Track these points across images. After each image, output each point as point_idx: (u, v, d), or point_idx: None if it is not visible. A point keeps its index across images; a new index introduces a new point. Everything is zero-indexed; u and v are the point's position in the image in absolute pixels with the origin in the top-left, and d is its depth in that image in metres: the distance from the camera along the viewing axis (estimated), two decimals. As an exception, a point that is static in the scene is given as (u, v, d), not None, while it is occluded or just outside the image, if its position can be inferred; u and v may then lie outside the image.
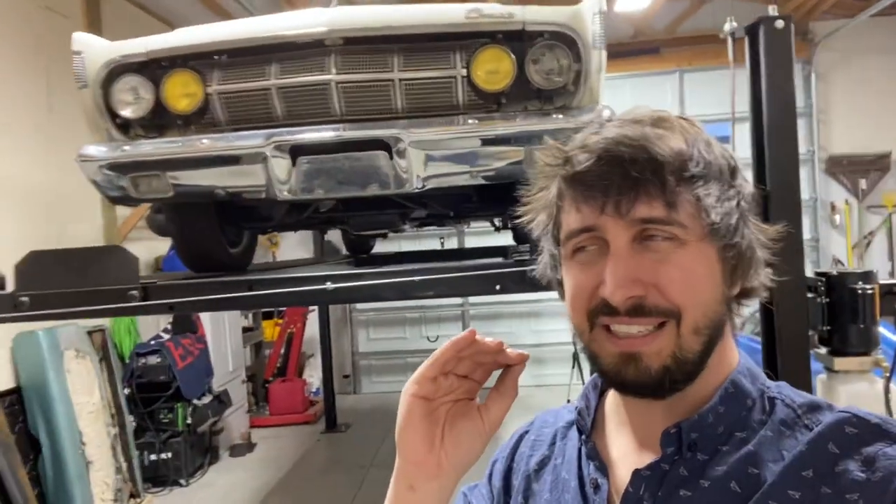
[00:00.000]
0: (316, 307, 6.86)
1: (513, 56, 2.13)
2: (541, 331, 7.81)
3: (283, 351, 7.19)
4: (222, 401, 5.68)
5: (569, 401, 0.96)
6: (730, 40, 1.99)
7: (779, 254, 0.69)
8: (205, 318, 5.84)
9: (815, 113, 7.61)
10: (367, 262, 4.22)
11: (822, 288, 1.94)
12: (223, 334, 6.20)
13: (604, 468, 0.70)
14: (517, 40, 2.15)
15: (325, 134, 2.11)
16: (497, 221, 4.53)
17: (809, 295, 1.93)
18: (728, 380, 0.66)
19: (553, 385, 7.01)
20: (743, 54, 1.97)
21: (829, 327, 1.93)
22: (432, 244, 7.86)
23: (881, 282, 1.92)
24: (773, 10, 1.88)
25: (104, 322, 4.93)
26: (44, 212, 4.49)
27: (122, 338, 5.25)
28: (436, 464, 0.69)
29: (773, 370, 1.86)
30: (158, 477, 5.12)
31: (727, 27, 2.01)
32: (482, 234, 6.70)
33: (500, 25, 2.13)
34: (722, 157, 0.65)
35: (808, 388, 1.90)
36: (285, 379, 7.02)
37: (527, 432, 0.83)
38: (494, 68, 2.14)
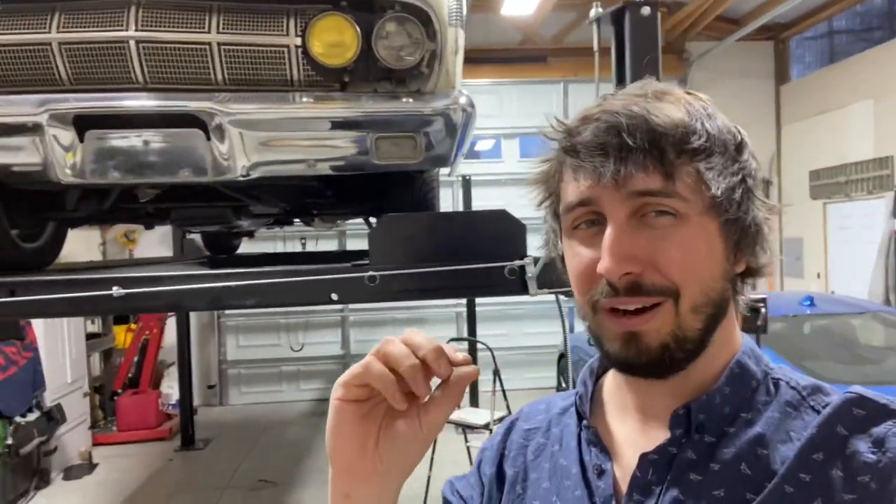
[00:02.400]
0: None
1: (357, 28, 1.83)
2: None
3: (136, 359, 6.49)
4: (53, 417, 4.99)
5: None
6: (595, 27, 1.82)
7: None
8: (37, 321, 5.11)
9: (688, 131, 7.87)
10: (222, 263, 3.77)
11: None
12: (60, 341, 5.48)
13: (606, 453, 0.68)
14: (364, 10, 1.85)
15: (118, 103, 1.72)
16: (374, 221, 4.21)
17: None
18: (733, 360, 0.65)
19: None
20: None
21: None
22: (328, 244, 7.41)
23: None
24: (640, -4, 1.70)
25: None
26: None
27: (-72, 346, 4.47)
28: (370, 468, 0.64)
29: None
30: (-32, 507, 4.41)
31: (592, 13, 1.83)
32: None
33: (343, -10, 1.83)
34: (727, 132, 0.63)
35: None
36: (137, 391, 6.34)
37: (516, 420, 0.81)
38: (336, 40, 1.83)
